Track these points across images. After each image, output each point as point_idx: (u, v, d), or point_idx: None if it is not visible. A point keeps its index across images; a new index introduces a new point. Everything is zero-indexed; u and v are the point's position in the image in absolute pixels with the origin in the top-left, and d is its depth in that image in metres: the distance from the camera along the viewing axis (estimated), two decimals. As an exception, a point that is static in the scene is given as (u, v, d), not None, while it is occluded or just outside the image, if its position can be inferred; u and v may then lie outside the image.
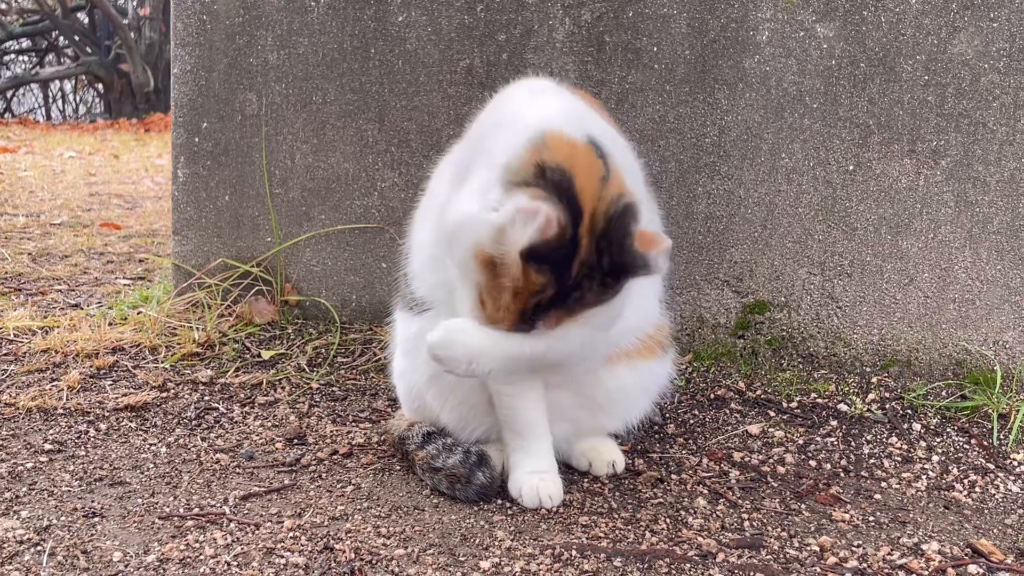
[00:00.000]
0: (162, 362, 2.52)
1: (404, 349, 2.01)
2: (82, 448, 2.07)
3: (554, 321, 1.54)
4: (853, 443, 2.21)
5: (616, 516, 1.85)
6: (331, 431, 2.21)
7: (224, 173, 2.76)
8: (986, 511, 1.95)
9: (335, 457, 2.08)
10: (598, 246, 1.52)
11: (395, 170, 2.67)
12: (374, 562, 1.65)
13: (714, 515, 1.87)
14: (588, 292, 1.54)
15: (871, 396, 2.39)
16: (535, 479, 1.87)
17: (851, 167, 2.44)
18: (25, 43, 15.53)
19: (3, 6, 15.13)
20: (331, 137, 2.70)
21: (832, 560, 1.71)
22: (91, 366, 2.47)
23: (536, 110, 1.69)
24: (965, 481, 2.07)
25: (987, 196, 2.39)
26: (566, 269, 1.52)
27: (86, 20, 14.38)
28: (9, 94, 14.94)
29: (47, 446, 2.06)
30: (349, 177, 2.70)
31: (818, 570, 1.67)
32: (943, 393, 2.39)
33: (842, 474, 2.09)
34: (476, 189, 1.62)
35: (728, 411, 2.35)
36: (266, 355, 2.57)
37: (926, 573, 1.68)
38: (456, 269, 1.65)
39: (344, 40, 2.65)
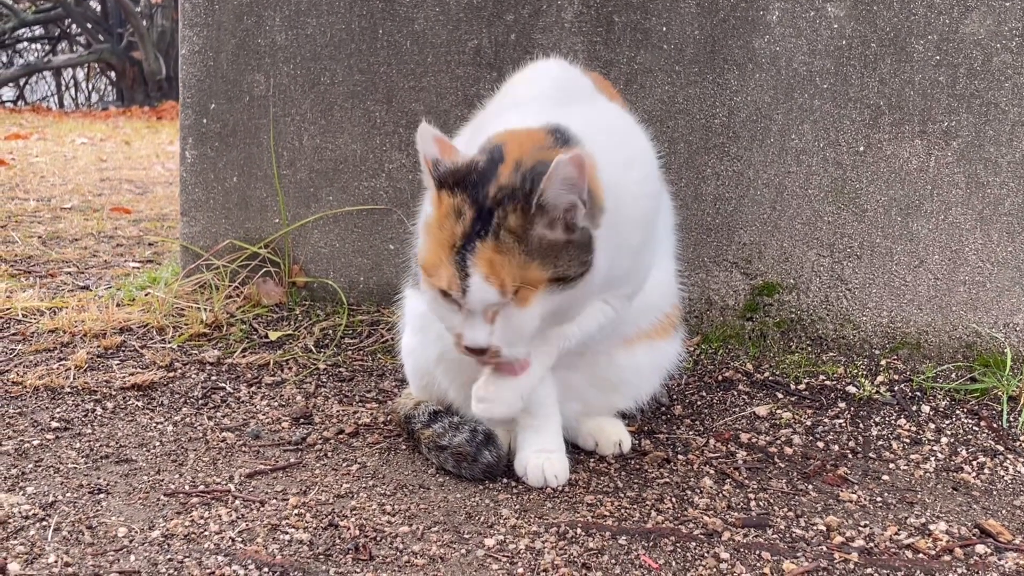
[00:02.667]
0: (169, 342, 2.53)
1: (413, 327, 2.01)
2: (89, 426, 2.07)
3: (485, 264, 1.52)
4: (861, 425, 2.20)
5: (622, 495, 1.84)
6: (337, 411, 2.21)
7: (232, 154, 2.76)
8: (995, 492, 1.94)
9: (341, 436, 2.07)
10: (523, 178, 1.54)
11: (403, 151, 2.66)
12: (379, 539, 1.64)
13: (720, 495, 1.86)
14: (510, 214, 1.52)
15: (880, 378, 2.37)
16: (541, 458, 1.87)
17: (861, 148, 2.42)
18: (38, 31, 15.57)
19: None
20: (339, 118, 2.69)
21: (838, 540, 1.71)
22: (98, 346, 2.48)
23: (514, 115, 1.72)
24: (974, 463, 2.06)
25: (998, 177, 2.37)
26: (481, 189, 1.55)
27: (98, 8, 14.41)
28: (22, 82, 14.98)
29: (54, 424, 2.06)
30: (357, 158, 2.70)
31: (824, 549, 1.67)
32: (952, 375, 2.38)
33: (850, 455, 2.07)
34: None
35: (736, 393, 2.34)
36: (273, 336, 2.57)
37: (933, 552, 1.67)
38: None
39: (352, 20, 2.64)
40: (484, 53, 2.58)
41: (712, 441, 2.11)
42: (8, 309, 2.69)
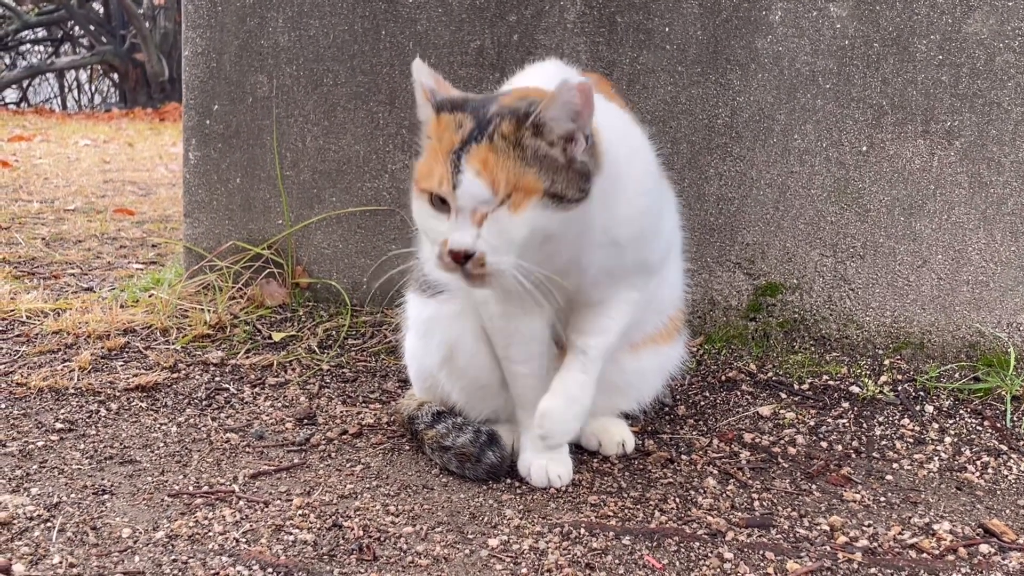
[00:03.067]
0: (173, 343, 2.53)
1: (417, 331, 2.01)
2: (93, 427, 2.07)
3: (478, 161, 1.52)
4: (865, 425, 2.20)
5: (625, 495, 1.84)
6: (341, 412, 2.21)
7: (235, 155, 2.76)
8: (999, 492, 1.93)
9: (345, 437, 2.08)
10: (527, 103, 1.56)
11: (406, 152, 2.66)
12: (383, 539, 1.65)
13: (724, 495, 1.86)
14: (506, 122, 1.53)
15: (883, 378, 2.37)
16: (544, 458, 1.87)
17: (864, 148, 2.42)
18: (41, 33, 15.60)
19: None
20: (342, 119, 2.69)
21: (842, 539, 1.70)
22: (102, 347, 2.48)
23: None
24: (978, 462, 2.06)
25: (1002, 177, 2.37)
26: (483, 109, 1.58)
27: (101, 10, 14.42)
28: (25, 83, 15.01)
29: (58, 425, 2.07)
30: (360, 159, 2.70)
31: (828, 549, 1.67)
32: (956, 375, 2.37)
33: (853, 455, 2.07)
34: None
35: (739, 393, 2.34)
36: (277, 337, 2.57)
37: (937, 552, 1.67)
38: None
39: (355, 22, 2.64)
40: (487, 54, 2.58)
41: (715, 441, 2.11)
42: (12, 311, 2.70)
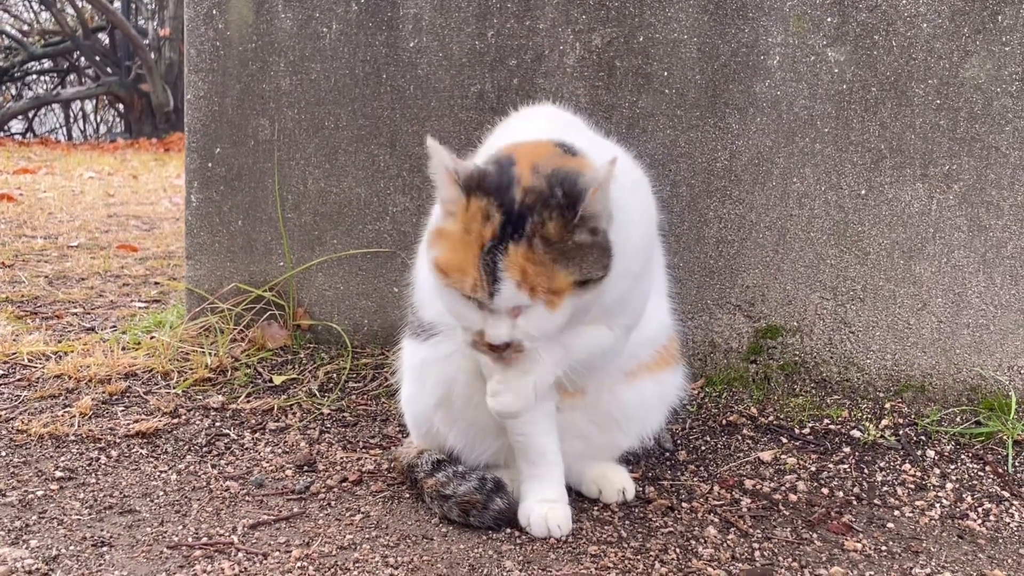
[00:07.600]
0: (174, 388, 2.53)
1: (412, 375, 2.01)
2: (93, 475, 2.07)
3: (517, 270, 1.50)
4: (866, 470, 2.20)
5: (625, 545, 1.84)
6: (341, 457, 2.21)
7: (237, 198, 2.78)
8: (1000, 540, 1.93)
9: (345, 484, 2.07)
10: (549, 183, 1.53)
11: (407, 195, 2.67)
12: (381, 593, 1.64)
13: (724, 545, 1.86)
14: (548, 221, 1.51)
15: (884, 422, 2.37)
16: (544, 508, 1.87)
17: (863, 191, 2.43)
18: (47, 64, 15.71)
19: (25, 27, 15.32)
20: (343, 162, 2.71)
21: (843, 592, 1.70)
22: (103, 392, 2.48)
23: (509, 137, 1.75)
24: (979, 509, 2.05)
25: (1001, 220, 2.37)
26: (507, 192, 1.53)
27: (106, 41, 14.52)
28: (31, 114, 15.09)
29: (58, 473, 2.07)
30: (361, 202, 2.71)
31: (828, 602, 1.66)
32: (957, 419, 2.37)
33: (855, 502, 2.07)
34: None
35: (740, 437, 2.33)
36: (278, 380, 2.57)
37: (938, 605, 1.67)
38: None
39: (356, 66, 2.66)
40: (487, 98, 2.60)
41: (716, 488, 2.10)
42: (14, 354, 2.70)
